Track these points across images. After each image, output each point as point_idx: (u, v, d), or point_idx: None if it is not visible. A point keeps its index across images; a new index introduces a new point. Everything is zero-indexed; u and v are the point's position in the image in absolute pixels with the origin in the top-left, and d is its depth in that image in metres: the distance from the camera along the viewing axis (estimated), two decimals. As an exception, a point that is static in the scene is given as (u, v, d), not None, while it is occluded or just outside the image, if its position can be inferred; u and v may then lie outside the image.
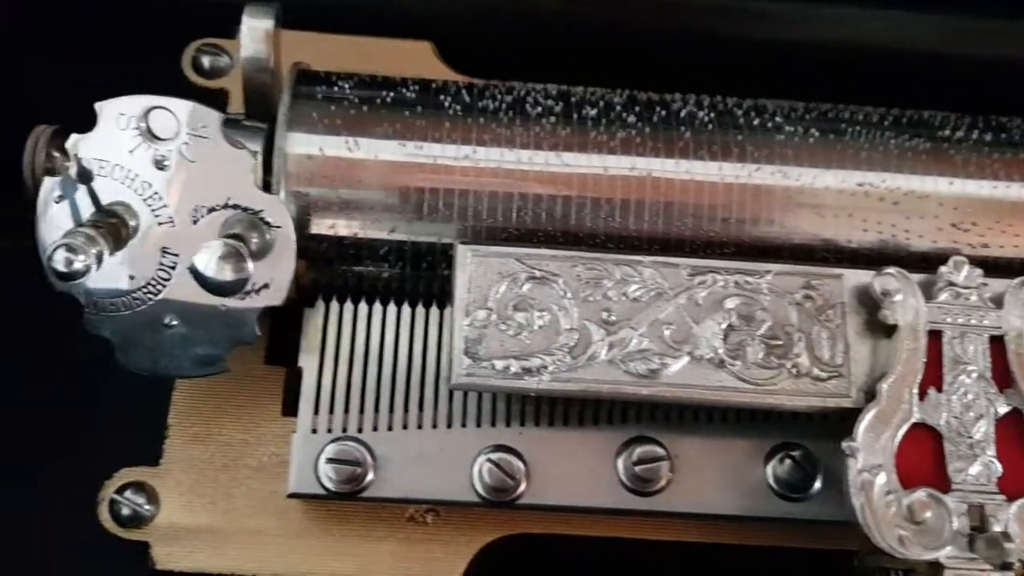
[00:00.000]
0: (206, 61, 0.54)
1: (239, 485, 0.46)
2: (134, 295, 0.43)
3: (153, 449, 0.46)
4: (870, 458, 0.41)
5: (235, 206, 0.42)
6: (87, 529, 0.45)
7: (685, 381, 0.42)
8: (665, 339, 0.42)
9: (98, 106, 0.42)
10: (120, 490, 0.45)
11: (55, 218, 0.42)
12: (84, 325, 0.43)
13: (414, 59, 0.56)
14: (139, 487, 0.45)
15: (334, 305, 0.46)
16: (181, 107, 0.42)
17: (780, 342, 0.43)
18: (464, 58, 0.56)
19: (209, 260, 0.40)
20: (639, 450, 0.44)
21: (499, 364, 0.42)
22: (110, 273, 0.41)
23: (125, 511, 0.45)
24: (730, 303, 0.43)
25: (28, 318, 0.51)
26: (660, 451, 0.44)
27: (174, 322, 0.43)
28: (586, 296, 0.43)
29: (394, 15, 0.58)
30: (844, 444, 0.41)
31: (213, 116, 0.42)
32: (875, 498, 0.40)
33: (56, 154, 0.45)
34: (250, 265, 0.40)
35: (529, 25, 0.59)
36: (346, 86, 0.46)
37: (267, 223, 0.42)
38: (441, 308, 0.46)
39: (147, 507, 0.45)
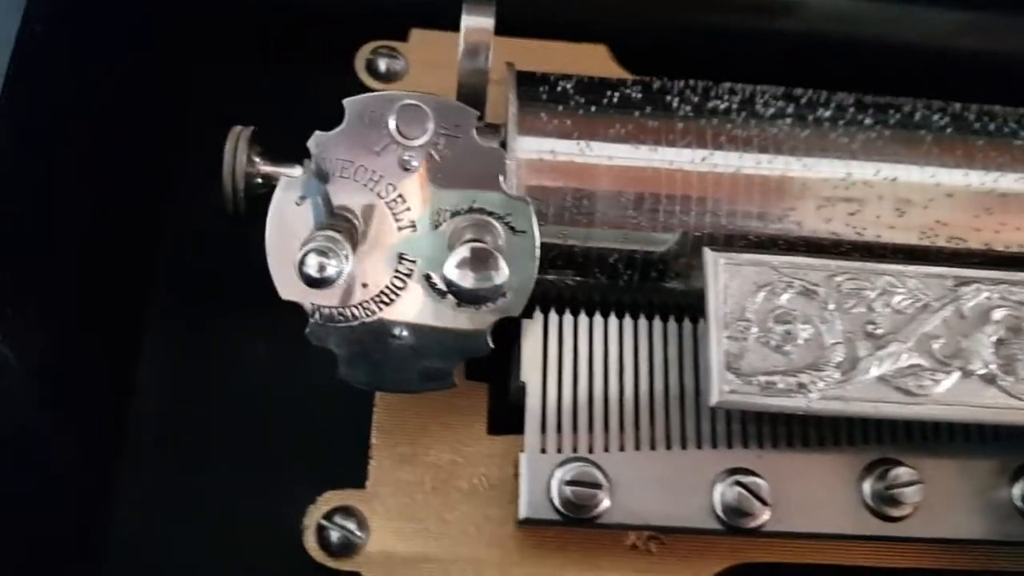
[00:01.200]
0: (382, 64, 0.51)
1: (452, 510, 0.43)
2: (365, 304, 0.40)
3: (355, 471, 0.43)
4: None
5: (480, 210, 0.39)
6: (293, 558, 0.42)
7: (957, 399, 0.39)
8: (934, 353, 0.40)
9: (346, 103, 0.38)
10: (328, 515, 0.42)
11: (289, 221, 0.39)
12: (307, 336, 0.40)
13: (590, 61, 0.53)
14: (347, 512, 0.42)
15: (553, 316, 0.43)
16: (432, 104, 0.39)
17: (1049, 356, 0.40)
18: (639, 61, 0.54)
19: (462, 267, 0.37)
20: (891, 473, 0.41)
21: (763, 380, 0.39)
22: (342, 281, 0.38)
23: (335, 537, 0.42)
24: (997, 315, 0.40)
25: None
26: (911, 474, 0.41)
27: (404, 333, 0.40)
28: (849, 308, 0.40)
29: (568, 18, 0.55)
30: None
31: (468, 113, 0.39)
32: None
33: (256, 157, 0.42)
34: (505, 273, 0.37)
35: (701, 27, 0.57)
36: (568, 86, 0.44)
37: (512, 228, 0.39)
38: (664, 321, 0.44)
39: (358, 533, 0.42)
